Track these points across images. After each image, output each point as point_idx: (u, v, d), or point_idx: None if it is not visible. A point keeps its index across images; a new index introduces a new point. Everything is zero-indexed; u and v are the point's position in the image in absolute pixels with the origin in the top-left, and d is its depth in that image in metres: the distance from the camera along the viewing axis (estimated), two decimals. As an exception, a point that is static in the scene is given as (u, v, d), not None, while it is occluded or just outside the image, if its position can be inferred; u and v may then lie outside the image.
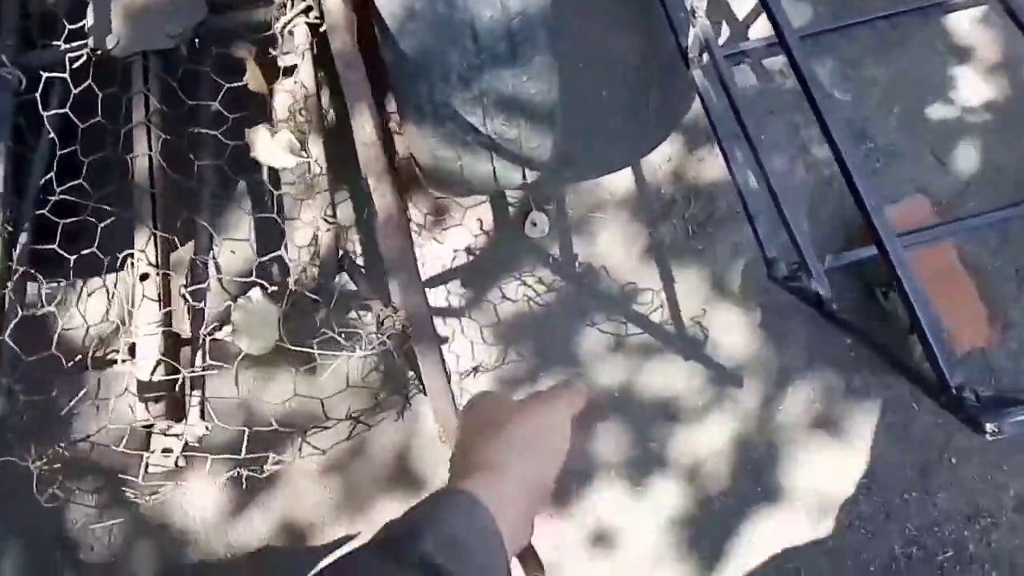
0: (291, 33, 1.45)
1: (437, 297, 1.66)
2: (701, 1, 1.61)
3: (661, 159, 1.80)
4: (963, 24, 1.87)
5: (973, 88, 1.83)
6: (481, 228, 1.74)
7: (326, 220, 1.30)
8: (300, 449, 1.59)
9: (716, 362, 1.65)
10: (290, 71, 1.42)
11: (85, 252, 1.29)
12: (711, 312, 1.68)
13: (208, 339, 1.24)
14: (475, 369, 1.62)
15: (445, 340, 1.64)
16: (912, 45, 1.86)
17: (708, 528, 1.61)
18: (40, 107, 1.36)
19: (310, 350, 1.18)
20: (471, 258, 1.71)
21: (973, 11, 1.87)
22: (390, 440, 1.63)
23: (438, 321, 1.63)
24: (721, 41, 1.92)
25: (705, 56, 1.70)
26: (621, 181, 1.78)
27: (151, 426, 1.15)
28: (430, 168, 1.38)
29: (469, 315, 1.65)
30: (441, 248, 1.71)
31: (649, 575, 1.59)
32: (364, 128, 1.13)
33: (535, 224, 1.75)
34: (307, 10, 1.42)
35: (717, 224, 1.74)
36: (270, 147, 1.38)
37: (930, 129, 1.80)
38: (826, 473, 1.63)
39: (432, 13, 1.14)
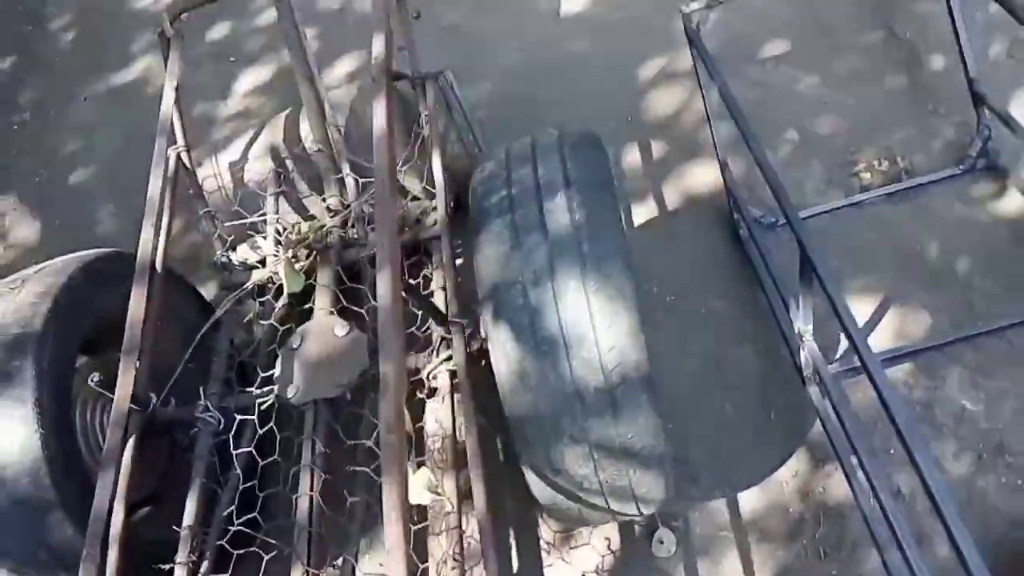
0: (435, 378, 1.69)
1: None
2: (807, 325, 1.71)
3: (788, 474, 1.82)
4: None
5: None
6: (608, 548, 1.79)
7: (454, 558, 1.43)
8: None
9: None
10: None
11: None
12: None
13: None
14: None
15: None
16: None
17: None
18: (232, 447, 1.65)
19: None
20: (591, 581, 1.75)
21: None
22: None
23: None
24: (841, 351, 1.99)
25: (818, 375, 1.77)
26: (748, 498, 1.80)
27: None
28: (549, 509, 1.49)
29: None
30: (568, 568, 1.77)
31: None
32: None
33: (662, 542, 1.78)
34: (449, 358, 1.67)
35: (852, 547, 1.69)
36: (411, 484, 1.56)
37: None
38: None
39: (545, 384, 1.32)
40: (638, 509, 1.50)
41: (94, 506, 1.34)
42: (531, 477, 1.44)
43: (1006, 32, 2.43)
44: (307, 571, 1.44)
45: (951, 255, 2.08)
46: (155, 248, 1.68)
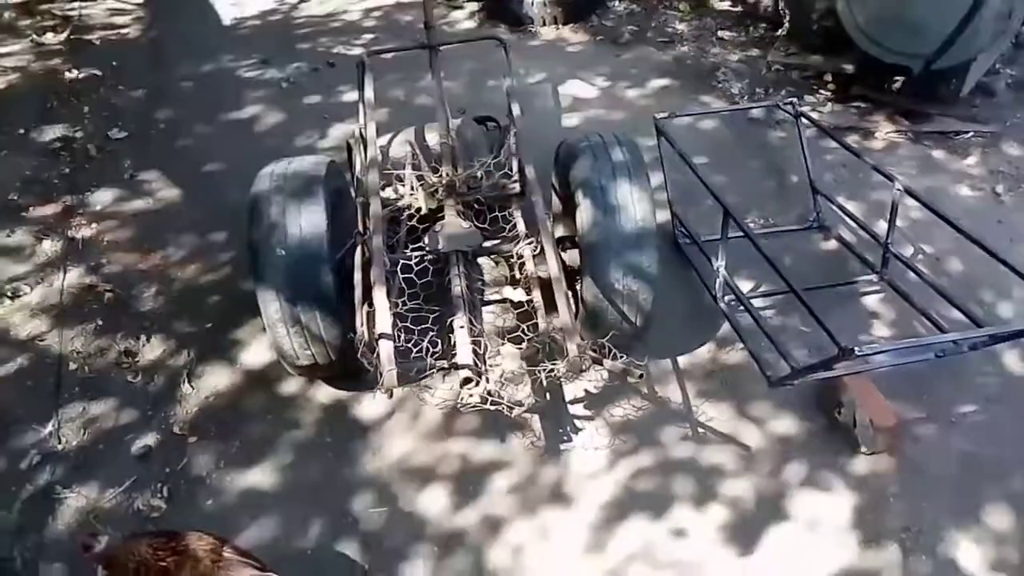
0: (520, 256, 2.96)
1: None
2: (723, 261, 3.11)
3: (704, 351, 3.15)
4: (872, 301, 3.35)
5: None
6: (603, 378, 3.01)
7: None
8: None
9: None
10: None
11: (422, 328, 2.62)
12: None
13: (487, 358, 2.51)
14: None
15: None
16: (845, 310, 3.31)
17: None
18: (399, 275, 2.82)
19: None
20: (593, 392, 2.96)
21: (877, 295, 3.35)
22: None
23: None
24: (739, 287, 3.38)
25: (727, 297, 3.15)
26: (683, 360, 3.10)
27: (468, 380, 2.36)
28: (590, 311, 2.76)
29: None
30: (580, 385, 2.97)
31: None
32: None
33: (634, 375, 3.00)
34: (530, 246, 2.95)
35: (743, 382, 3.00)
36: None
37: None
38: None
39: (605, 225, 2.64)
40: (635, 318, 2.78)
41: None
42: (587, 284, 2.71)
43: (833, 168, 4.14)
44: (464, 312, 2.60)
45: (795, 264, 3.58)
46: (368, 166, 2.95)
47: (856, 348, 2.18)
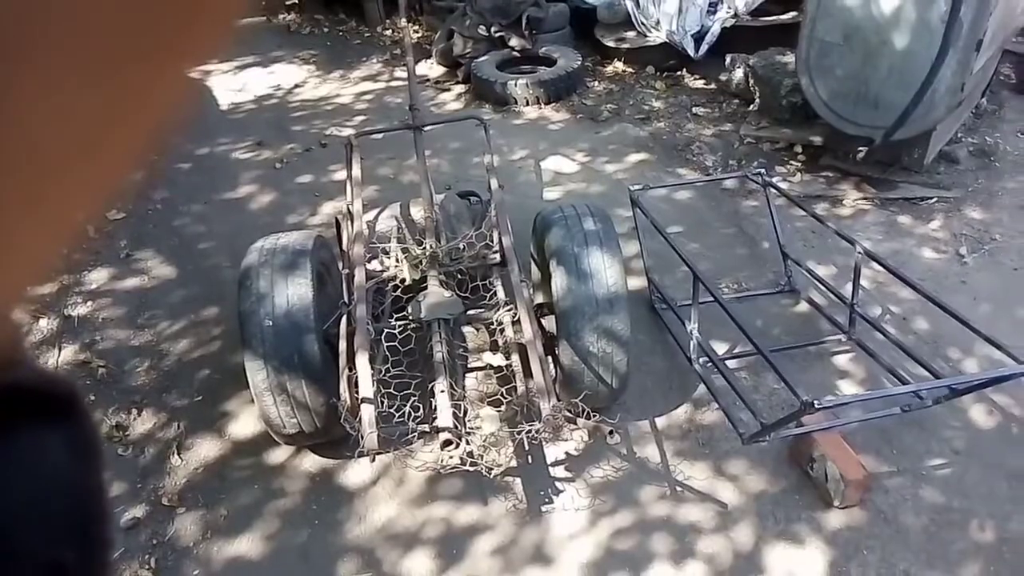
0: (500, 323, 3.09)
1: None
2: (695, 324, 3.24)
3: (682, 411, 3.23)
4: (841, 360, 3.46)
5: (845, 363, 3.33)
6: (582, 439, 3.10)
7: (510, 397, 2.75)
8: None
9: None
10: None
11: (404, 394, 2.72)
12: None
13: (467, 421, 2.59)
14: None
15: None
16: (815, 369, 3.42)
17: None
18: (384, 343, 2.94)
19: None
20: (574, 454, 3.04)
21: (846, 355, 3.47)
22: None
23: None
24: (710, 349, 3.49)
25: (701, 359, 3.27)
26: (660, 421, 3.19)
27: (448, 443, 2.44)
28: (567, 375, 2.86)
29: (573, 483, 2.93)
30: (558, 449, 3.05)
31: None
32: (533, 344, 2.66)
33: (613, 437, 3.09)
34: (510, 312, 3.08)
35: (717, 441, 3.08)
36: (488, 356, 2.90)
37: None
38: None
39: (579, 291, 2.77)
40: (611, 380, 2.88)
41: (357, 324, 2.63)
42: (564, 349, 2.82)
43: (803, 234, 4.32)
44: (444, 375, 2.70)
45: (766, 326, 3.71)
46: (354, 240, 3.10)
47: (816, 401, 2.29)
